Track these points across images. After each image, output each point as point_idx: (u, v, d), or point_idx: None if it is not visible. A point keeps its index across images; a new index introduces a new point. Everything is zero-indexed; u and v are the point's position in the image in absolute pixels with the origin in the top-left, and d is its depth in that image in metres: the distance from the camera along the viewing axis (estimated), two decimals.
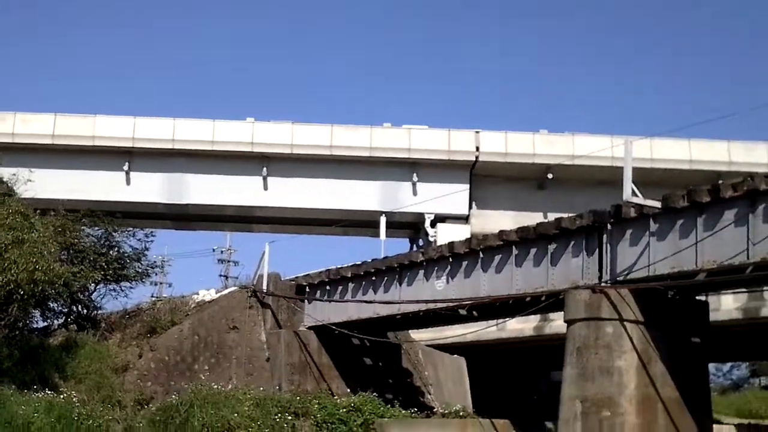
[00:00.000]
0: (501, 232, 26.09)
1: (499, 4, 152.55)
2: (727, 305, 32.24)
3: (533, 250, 25.04)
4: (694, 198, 20.61)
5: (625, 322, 22.11)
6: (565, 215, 24.52)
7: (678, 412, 22.28)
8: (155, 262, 41.01)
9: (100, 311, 34.14)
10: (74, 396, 26.09)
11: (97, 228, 33.99)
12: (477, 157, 45.98)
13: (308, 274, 34.24)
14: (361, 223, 46.00)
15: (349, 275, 31.82)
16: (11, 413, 23.17)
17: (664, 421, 22.04)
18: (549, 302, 24.24)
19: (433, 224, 45.81)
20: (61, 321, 33.24)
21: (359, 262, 31.61)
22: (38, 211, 29.72)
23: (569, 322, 23.05)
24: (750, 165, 40.64)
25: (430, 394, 36.29)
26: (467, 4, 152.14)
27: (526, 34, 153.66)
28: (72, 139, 45.31)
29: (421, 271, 29.00)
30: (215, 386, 28.05)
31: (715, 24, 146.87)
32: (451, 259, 27.80)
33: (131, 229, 34.99)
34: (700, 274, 20.95)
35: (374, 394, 29.77)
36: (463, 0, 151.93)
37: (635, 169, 21.50)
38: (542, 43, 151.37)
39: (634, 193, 21.24)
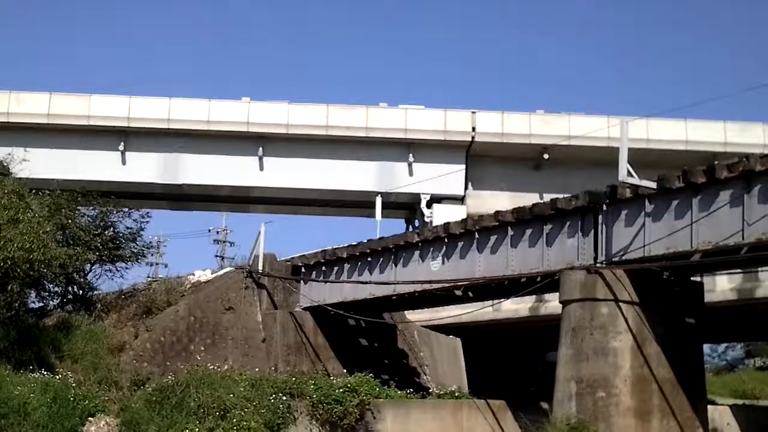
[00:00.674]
0: (497, 212, 26.10)
1: None
2: (722, 286, 32.27)
3: (529, 231, 25.06)
4: (689, 179, 20.62)
5: (620, 303, 22.19)
6: (560, 196, 24.57)
7: (673, 393, 22.39)
8: (151, 242, 41.07)
9: (95, 292, 34.10)
10: (70, 376, 26.06)
11: (92, 208, 33.90)
12: (473, 138, 45.91)
13: (304, 255, 34.24)
14: (357, 203, 46.01)
15: (345, 256, 31.83)
16: (7, 394, 23.16)
17: (658, 401, 22.16)
18: (544, 283, 24.28)
19: (428, 205, 45.78)
20: (56, 302, 33.22)
21: (355, 243, 31.61)
22: (33, 191, 29.64)
23: (564, 303, 23.11)
24: (746, 146, 40.56)
25: (425, 374, 36.38)
26: None
27: (523, 14, 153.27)
28: (67, 118, 45.16)
29: (417, 252, 29.02)
30: (211, 367, 28.06)
31: (711, 4, 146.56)
32: (446, 240, 27.82)
33: (126, 209, 34.89)
34: (695, 255, 21.02)
35: (370, 374, 29.81)
36: None
37: (631, 150, 21.51)
38: (539, 23, 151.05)
39: (629, 174, 21.25)
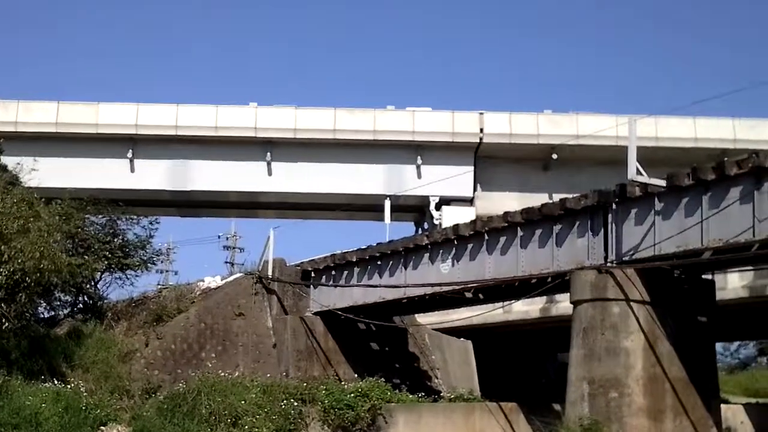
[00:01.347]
0: (506, 213, 26.02)
1: None
2: (733, 284, 32.15)
3: (538, 232, 24.98)
4: (699, 176, 20.53)
5: (631, 302, 22.09)
6: (569, 196, 24.48)
7: (685, 392, 22.26)
8: (160, 249, 41.03)
9: (105, 300, 34.10)
10: (82, 386, 26.07)
11: (101, 216, 33.93)
12: (481, 139, 45.88)
13: (313, 260, 34.19)
14: (366, 207, 45.94)
15: (355, 260, 31.78)
16: (19, 404, 23.15)
17: (671, 401, 22.03)
18: (555, 283, 24.21)
19: (437, 207, 45.75)
20: (67, 311, 33.23)
21: (364, 247, 31.55)
22: (42, 200, 29.66)
23: (575, 303, 23.02)
24: (755, 142, 40.44)
25: (437, 377, 36.30)
26: None
27: (529, 14, 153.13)
28: (75, 126, 45.32)
29: (427, 255, 28.95)
30: (222, 374, 28.05)
31: (719, 1, 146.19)
32: (456, 242, 27.76)
33: (135, 216, 34.90)
34: (705, 253, 20.92)
35: (381, 378, 29.76)
36: None
37: (640, 148, 21.43)
38: (545, 23, 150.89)
39: (638, 172, 21.16)
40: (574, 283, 23.02)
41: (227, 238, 73.92)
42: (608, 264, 22.69)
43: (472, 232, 27.09)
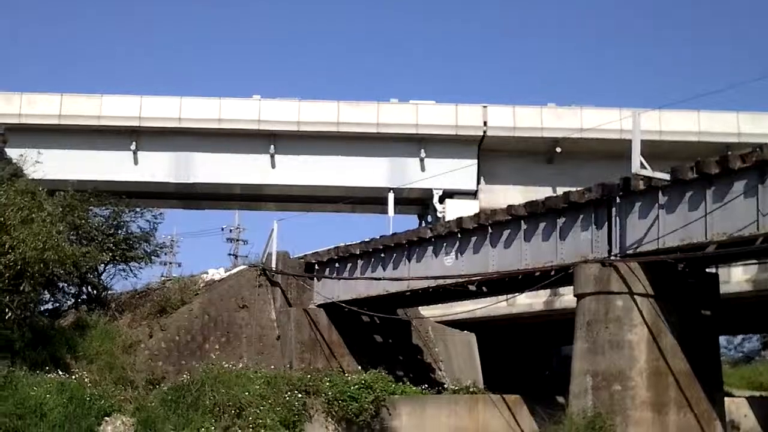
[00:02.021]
0: (509, 206, 26.02)
1: None
2: (737, 277, 32.11)
3: (542, 225, 24.98)
4: (702, 169, 20.51)
5: (635, 296, 22.08)
6: (573, 189, 24.44)
7: (689, 385, 22.27)
8: (164, 242, 41.09)
9: (109, 292, 34.16)
10: (86, 377, 26.13)
11: (104, 208, 33.97)
12: (485, 132, 45.92)
13: (317, 252, 34.22)
14: (369, 199, 45.99)
15: (358, 252, 31.80)
16: (24, 394, 23.23)
17: (675, 394, 22.04)
18: (558, 277, 24.19)
19: (441, 200, 45.80)
20: (71, 302, 33.30)
21: (368, 239, 31.57)
22: (45, 191, 29.71)
23: (579, 297, 23.03)
24: (759, 136, 40.38)
25: (440, 370, 36.33)
26: None
27: (532, 8, 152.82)
28: (79, 119, 45.38)
29: (430, 248, 28.96)
30: (226, 365, 28.06)
31: None
32: (459, 235, 27.76)
33: (139, 209, 34.94)
34: (709, 246, 20.91)
35: (385, 371, 29.79)
36: None
37: (644, 142, 21.40)
38: (549, 16, 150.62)
39: (642, 166, 21.14)
40: (577, 276, 23.01)
41: (231, 231, 74.05)
42: (612, 257, 22.68)
43: (475, 225, 27.10)
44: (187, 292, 32.98)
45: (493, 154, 46.54)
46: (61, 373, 25.67)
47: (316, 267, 34.17)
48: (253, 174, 46.42)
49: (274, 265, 33.86)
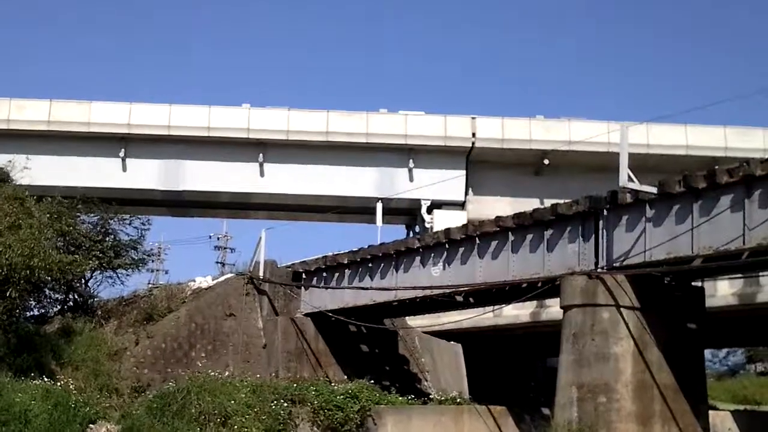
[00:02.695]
0: (497, 218, 26.08)
1: None
2: (723, 291, 32.21)
3: (529, 237, 25.04)
4: (690, 183, 20.61)
5: (621, 308, 22.15)
6: (561, 201, 24.52)
7: (674, 398, 22.34)
8: (151, 249, 40.99)
9: (96, 299, 34.07)
10: (71, 383, 26.06)
11: (92, 215, 33.90)
12: (473, 143, 45.95)
13: (305, 261, 34.21)
14: (358, 209, 45.99)
15: (346, 262, 31.80)
16: (8, 401, 23.11)
17: (660, 407, 22.10)
18: (545, 288, 24.24)
19: (429, 210, 45.80)
20: (57, 309, 33.18)
21: (356, 249, 31.58)
22: (34, 197, 29.65)
23: (565, 308, 23.08)
24: (746, 151, 40.61)
25: (426, 380, 36.34)
26: None
27: (523, 19, 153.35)
28: (67, 125, 45.22)
29: (418, 258, 28.99)
30: (212, 373, 28.04)
31: (712, 9, 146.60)
32: (447, 246, 27.79)
33: (127, 216, 34.88)
34: (696, 260, 20.98)
35: (371, 380, 29.79)
36: None
37: (631, 155, 21.49)
38: (538, 29, 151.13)
39: (630, 179, 21.23)
40: (564, 288, 23.07)
41: (218, 239, 74.05)
42: (599, 270, 22.75)
43: (463, 236, 27.14)
44: (174, 300, 32.95)
45: (482, 166, 46.59)
46: (46, 379, 25.57)
47: (304, 276, 34.16)
48: (241, 182, 46.33)
49: (261, 274, 33.85)
